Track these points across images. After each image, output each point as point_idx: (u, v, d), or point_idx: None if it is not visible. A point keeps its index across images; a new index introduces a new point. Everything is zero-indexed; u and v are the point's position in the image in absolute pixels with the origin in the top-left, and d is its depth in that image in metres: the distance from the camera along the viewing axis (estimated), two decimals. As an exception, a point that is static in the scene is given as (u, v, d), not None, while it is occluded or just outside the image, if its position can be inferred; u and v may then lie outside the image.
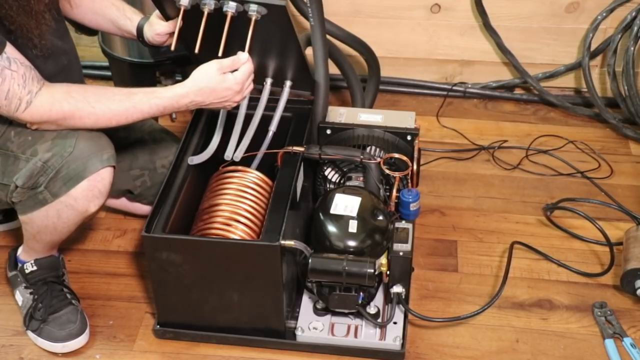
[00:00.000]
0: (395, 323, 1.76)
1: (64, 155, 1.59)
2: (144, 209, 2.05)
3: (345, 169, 1.94)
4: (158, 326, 1.80)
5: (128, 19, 1.85)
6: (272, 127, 1.82)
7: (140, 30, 1.84)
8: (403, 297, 1.74)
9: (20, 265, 1.86)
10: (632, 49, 2.33)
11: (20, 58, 1.55)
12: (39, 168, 1.60)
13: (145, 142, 1.98)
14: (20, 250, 1.87)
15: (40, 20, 1.61)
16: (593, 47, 2.45)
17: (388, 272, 1.73)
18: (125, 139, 1.93)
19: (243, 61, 1.64)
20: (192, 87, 1.62)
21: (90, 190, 1.63)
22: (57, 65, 1.72)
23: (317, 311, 1.80)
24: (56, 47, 1.71)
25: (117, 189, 2.00)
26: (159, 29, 1.80)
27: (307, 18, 1.89)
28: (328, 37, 2.27)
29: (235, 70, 1.64)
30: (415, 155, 1.92)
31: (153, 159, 1.98)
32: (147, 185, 1.98)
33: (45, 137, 1.61)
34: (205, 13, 1.64)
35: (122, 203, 2.08)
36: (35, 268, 1.83)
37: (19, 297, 1.86)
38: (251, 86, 1.69)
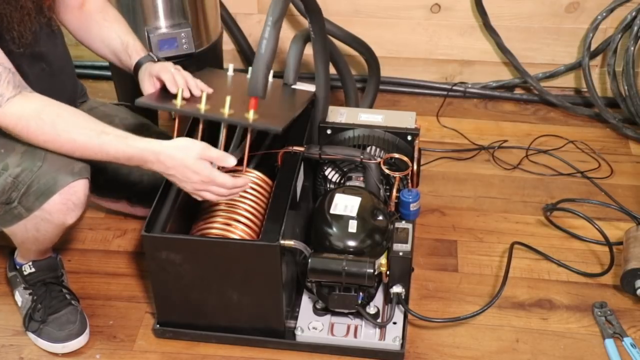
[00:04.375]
0: (395, 323, 1.76)
1: (33, 169, 1.56)
2: (145, 210, 2.04)
3: (345, 169, 1.94)
4: (158, 326, 1.79)
5: (128, 56, 1.81)
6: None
7: (136, 70, 1.81)
8: (403, 297, 1.74)
9: (18, 266, 1.86)
10: (632, 49, 2.33)
11: (6, 62, 1.53)
12: (9, 184, 1.57)
13: None
14: (16, 253, 1.87)
15: (24, 16, 1.59)
16: (593, 47, 2.45)
17: (388, 272, 1.73)
18: None
19: (228, 165, 1.56)
20: (166, 149, 1.54)
21: (64, 203, 1.59)
22: (44, 71, 1.71)
23: (316, 311, 1.80)
24: (45, 54, 1.70)
25: (117, 196, 2.00)
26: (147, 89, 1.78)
27: (305, 17, 1.89)
28: (328, 36, 2.26)
29: (218, 166, 1.57)
30: (416, 155, 1.91)
31: None
32: (146, 191, 1.97)
33: (16, 150, 1.58)
34: (201, 125, 1.73)
35: (123, 206, 2.08)
36: (33, 270, 1.83)
37: (18, 297, 1.86)
38: (224, 199, 1.66)
